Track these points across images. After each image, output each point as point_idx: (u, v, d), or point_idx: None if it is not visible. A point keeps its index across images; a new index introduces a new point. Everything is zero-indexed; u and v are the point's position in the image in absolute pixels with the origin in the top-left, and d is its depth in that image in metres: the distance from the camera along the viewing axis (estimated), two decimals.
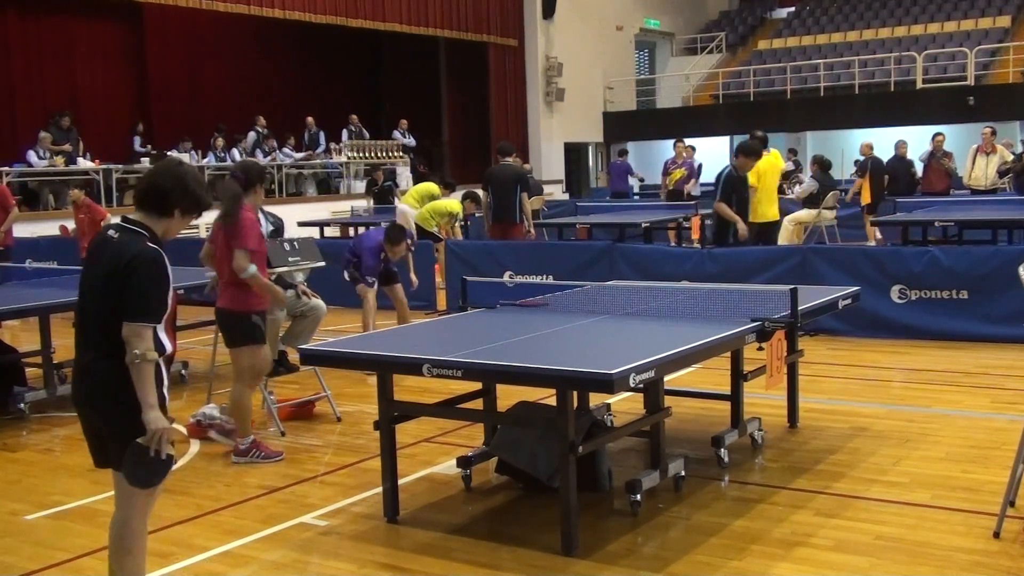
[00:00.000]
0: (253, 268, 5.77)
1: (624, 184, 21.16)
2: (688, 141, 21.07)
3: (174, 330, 3.48)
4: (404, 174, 20.55)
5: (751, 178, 11.59)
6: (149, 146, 19.15)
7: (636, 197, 21.76)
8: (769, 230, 11.73)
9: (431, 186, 14.26)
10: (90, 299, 3.65)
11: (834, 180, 15.18)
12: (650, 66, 30.54)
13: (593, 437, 4.79)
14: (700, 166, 18.84)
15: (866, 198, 15.66)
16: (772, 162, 11.84)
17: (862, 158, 16.41)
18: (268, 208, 7.53)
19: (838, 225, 15.42)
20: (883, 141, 18.51)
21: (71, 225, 13.02)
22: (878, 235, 15.11)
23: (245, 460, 6.03)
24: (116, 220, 3.72)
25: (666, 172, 17.77)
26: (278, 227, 7.16)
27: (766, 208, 11.47)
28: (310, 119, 21.13)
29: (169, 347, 3.70)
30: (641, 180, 22.38)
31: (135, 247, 3.53)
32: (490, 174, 12.62)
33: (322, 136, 21.15)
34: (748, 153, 9.70)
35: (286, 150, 20.56)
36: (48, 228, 14.80)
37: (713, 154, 24.50)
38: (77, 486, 5.65)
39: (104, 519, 5.05)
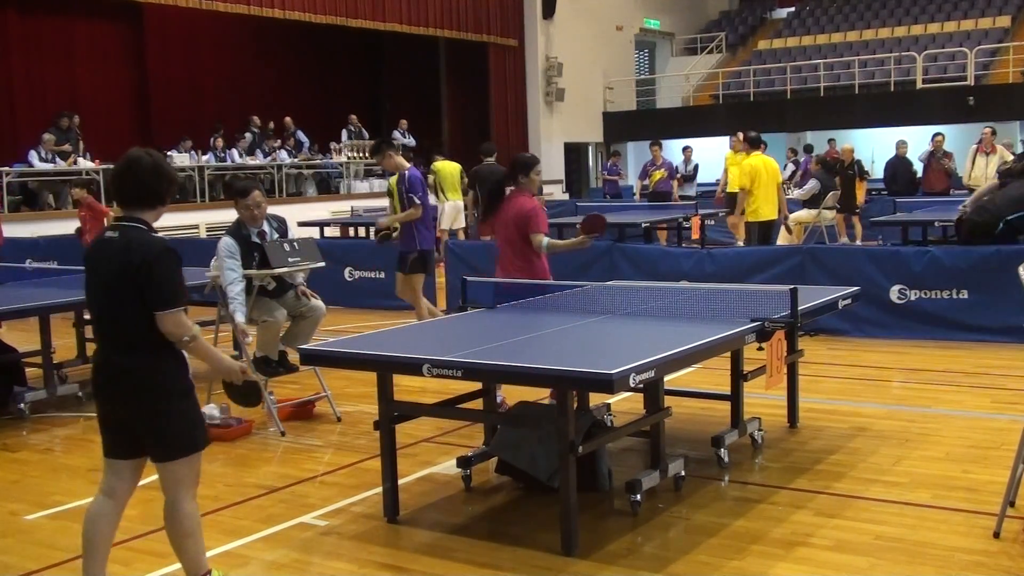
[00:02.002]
0: (547, 240, 6.46)
1: (614, 186, 21.24)
2: (687, 142, 21.12)
3: None
4: None
5: (745, 179, 11.59)
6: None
7: (636, 197, 21.73)
8: (768, 229, 11.74)
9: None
10: (106, 300, 3.76)
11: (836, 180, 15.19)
12: (650, 66, 30.54)
13: (593, 437, 4.79)
14: (676, 167, 18.97)
15: (861, 198, 15.70)
16: (769, 162, 11.84)
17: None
18: (269, 210, 7.51)
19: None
20: (883, 141, 18.52)
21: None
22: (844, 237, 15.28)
23: None
24: (111, 221, 3.83)
25: (645, 175, 17.89)
26: (282, 231, 7.15)
27: (764, 208, 11.49)
28: (288, 119, 21.03)
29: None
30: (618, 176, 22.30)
31: (145, 242, 3.70)
32: (477, 173, 13.30)
33: (300, 135, 21.05)
34: None
35: (284, 152, 20.55)
36: (48, 228, 14.80)
37: (713, 154, 24.54)
38: (77, 486, 5.65)
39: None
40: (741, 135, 15.52)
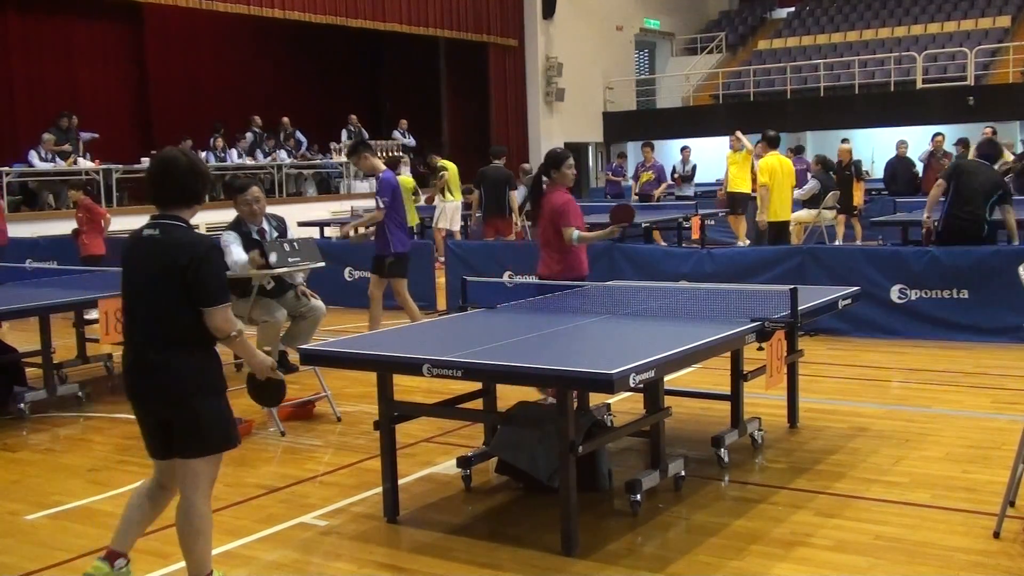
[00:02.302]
0: (577, 233, 6.58)
1: (616, 187, 21.23)
2: (687, 141, 21.10)
3: None
4: (404, 174, 20.53)
5: (764, 177, 11.43)
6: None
7: (636, 197, 21.69)
8: (783, 230, 11.54)
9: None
10: (145, 297, 3.82)
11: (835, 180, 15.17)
12: (650, 66, 30.53)
13: (593, 437, 4.79)
14: (675, 166, 19.03)
15: (858, 200, 15.67)
16: (785, 162, 11.69)
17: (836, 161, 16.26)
18: (269, 209, 7.52)
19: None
20: (883, 141, 18.50)
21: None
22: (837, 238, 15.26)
23: None
24: (147, 219, 3.90)
25: (636, 176, 17.92)
26: (281, 230, 7.16)
27: (779, 208, 11.33)
28: (285, 119, 20.97)
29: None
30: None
31: (192, 241, 3.78)
32: (482, 174, 14.15)
33: (298, 134, 21.04)
34: None
35: (284, 152, 20.53)
36: (48, 228, 14.80)
37: (713, 154, 24.51)
38: (77, 486, 5.65)
39: (104, 519, 5.07)
40: (739, 133, 15.53)
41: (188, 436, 3.81)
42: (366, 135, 21.56)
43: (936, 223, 9.45)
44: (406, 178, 14.18)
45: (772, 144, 11.80)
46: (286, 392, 4.33)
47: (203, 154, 18.92)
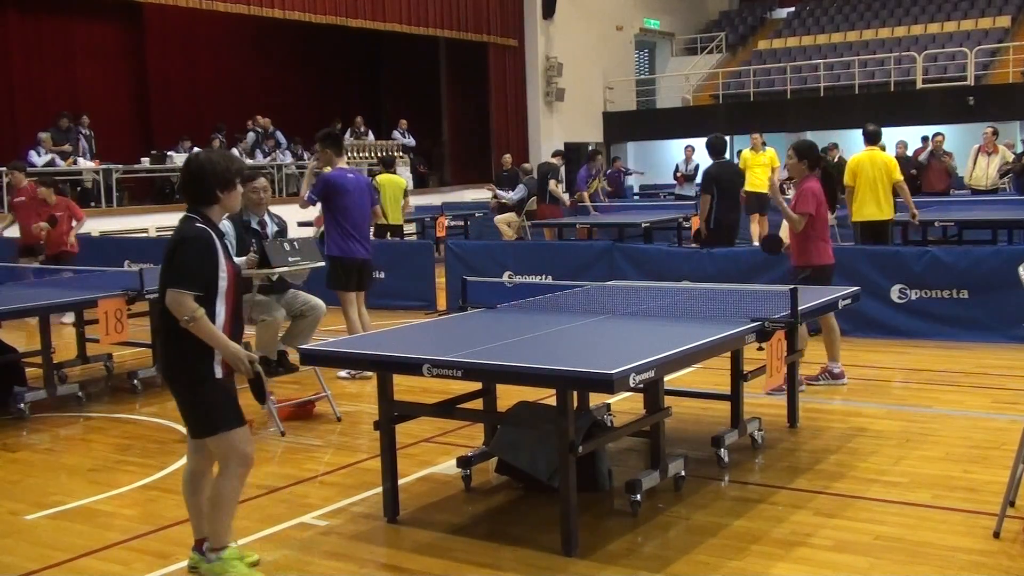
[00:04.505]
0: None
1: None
2: (687, 141, 21.09)
3: (234, 310, 4.11)
4: (404, 174, 20.55)
5: (848, 176, 10.76)
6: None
7: (636, 197, 21.72)
8: (876, 230, 10.62)
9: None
10: (160, 286, 4.07)
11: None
12: (650, 66, 30.54)
13: (593, 437, 4.79)
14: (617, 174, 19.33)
15: None
16: (878, 158, 10.59)
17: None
18: (271, 209, 7.50)
19: (837, 225, 15.34)
20: (883, 141, 18.45)
21: None
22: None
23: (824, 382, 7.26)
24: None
25: (584, 184, 17.42)
26: (282, 228, 7.17)
27: (867, 206, 10.51)
28: (265, 120, 20.53)
29: (222, 319, 4.01)
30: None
31: (180, 228, 4.03)
32: (537, 168, 16.70)
33: (280, 135, 20.72)
34: None
35: (279, 153, 20.50)
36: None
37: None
38: (77, 486, 5.65)
39: (104, 519, 5.08)
40: (758, 136, 15.49)
41: (184, 418, 4.13)
42: (371, 136, 21.54)
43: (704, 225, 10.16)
44: (396, 177, 14.22)
45: (870, 140, 10.70)
46: (265, 386, 4.17)
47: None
